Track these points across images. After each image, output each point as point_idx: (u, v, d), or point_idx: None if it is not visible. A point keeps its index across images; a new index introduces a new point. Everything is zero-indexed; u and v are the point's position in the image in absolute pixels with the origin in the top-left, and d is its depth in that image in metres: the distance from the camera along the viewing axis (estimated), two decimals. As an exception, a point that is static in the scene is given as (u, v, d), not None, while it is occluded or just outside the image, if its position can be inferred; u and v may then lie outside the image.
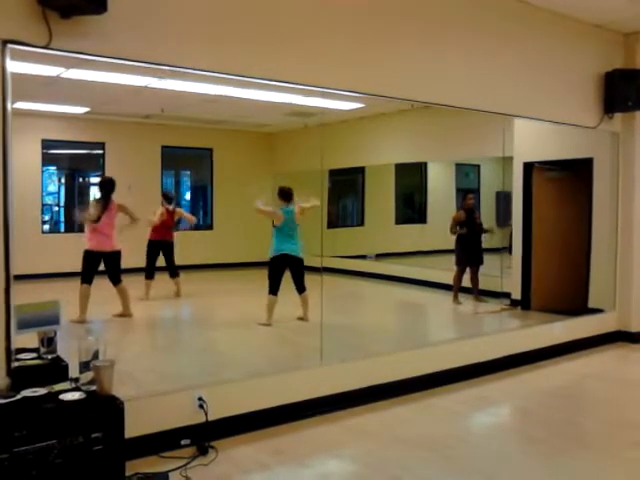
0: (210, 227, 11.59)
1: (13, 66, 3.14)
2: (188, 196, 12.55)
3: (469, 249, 8.06)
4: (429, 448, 3.86)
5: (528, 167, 7.54)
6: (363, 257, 9.94)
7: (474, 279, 8.11)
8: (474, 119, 6.49)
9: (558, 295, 7.24)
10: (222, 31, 3.84)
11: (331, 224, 10.38)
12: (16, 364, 3.18)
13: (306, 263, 6.38)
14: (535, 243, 7.53)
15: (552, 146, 7.18)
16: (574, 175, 7.41)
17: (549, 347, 5.97)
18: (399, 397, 4.71)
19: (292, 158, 11.42)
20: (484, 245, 8.24)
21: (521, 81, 5.60)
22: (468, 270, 8.13)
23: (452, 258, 8.42)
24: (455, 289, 8.13)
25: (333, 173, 10.29)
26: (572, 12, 5.80)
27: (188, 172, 12.53)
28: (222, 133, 11.06)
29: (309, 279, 6.45)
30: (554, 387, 5.29)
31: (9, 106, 3.13)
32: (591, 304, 6.88)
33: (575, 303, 6.97)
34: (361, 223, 11.08)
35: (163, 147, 10.72)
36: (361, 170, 11.20)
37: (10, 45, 3.10)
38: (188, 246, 9.40)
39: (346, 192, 12.16)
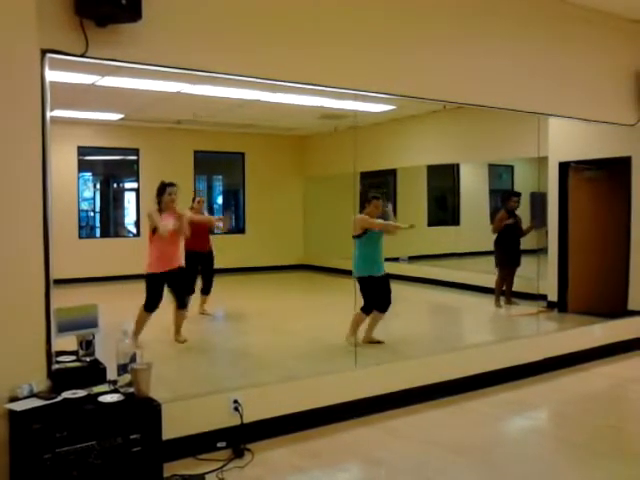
0: (242, 231, 11.67)
1: (51, 75, 3.21)
2: (220, 200, 12.66)
3: (509, 250, 7.95)
4: (465, 452, 3.81)
5: (564, 167, 7.40)
6: (396, 259, 9.90)
7: (509, 281, 8.00)
8: (507, 119, 6.41)
9: (596, 297, 7.09)
10: (254, 36, 3.86)
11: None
12: (56, 366, 3.25)
13: (337, 266, 6.24)
14: (572, 244, 7.38)
15: (588, 145, 7.03)
16: (612, 174, 7.25)
17: (588, 350, 5.85)
18: (435, 400, 4.66)
19: (323, 161, 11.43)
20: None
21: (555, 79, 5.50)
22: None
23: (486, 260, 8.31)
24: (497, 292, 8.01)
25: (364, 176, 10.25)
26: (608, 7, 5.68)
27: (220, 176, 12.64)
28: (254, 137, 11.13)
29: (342, 282, 6.40)
30: (594, 391, 5.18)
31: (48, 114, 3.19)
32: (631, 306, 6.71)
33: (614, 305, 6.82)
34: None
35: (195, 152, 10.83)
36: (392, 172, 11.15)
37: (49, 55, 3.17)
38: (221, 250, 9.44)
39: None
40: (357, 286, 5.72)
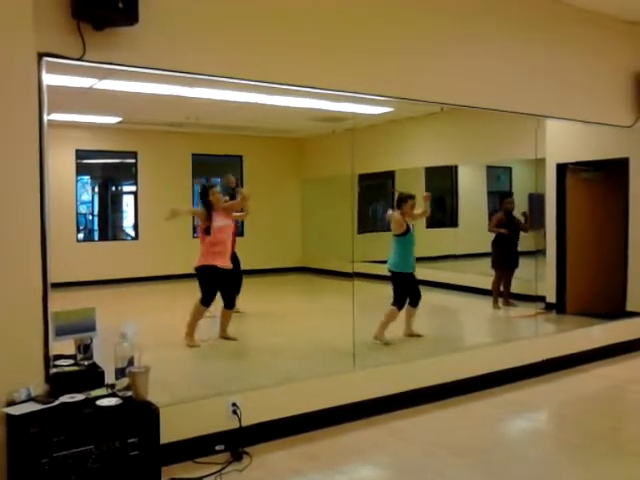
0: (241, 234, 11.64)
1: (48, 79, 3.20)
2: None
3: (506, 252, 7.96)
4: (466, 453, 3.81)
5: (561, 168, 7.41)
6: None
7: (507, 282, 8.00)
8: (505, 121, 6.40)
9: (594, 298, 7.09)
10: (251, 39, 3.86)
11: (361, 229, 10.36)
12: (54, 370, 3.24)
13: (335, 268, 6.25)
14: (570, 245, 7.39)
15: (586, 146, 7.04)
16: (609, 175, 7.26)
17: (587, 351, 5.85)
18: (436, 402, 4.67)
19: (321, 164, 11.43)
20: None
21: (553, 81, 5.51)
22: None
23: (484, 262, 8.31)
24: (495, 294, 8.01)
25: (362, 178, 10.25)
26: (606, 9, 5.70)
27: (218, 179, 12.62)
28: (251, 140, 11.11)
29: (340, 284, 6.41)
30: (593, 392, 5.19)
31: (45, 118, 3.19)
32: (629, 307, 6.72)
33: (612, 306, 6.82)
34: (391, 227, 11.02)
35: (193, 155, 10.82)
36: (391, 174, 11.14)
37: (46, 58, 3.16)
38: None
39: (376, 197, 12.12)
40: (392, 281, 6.08)
